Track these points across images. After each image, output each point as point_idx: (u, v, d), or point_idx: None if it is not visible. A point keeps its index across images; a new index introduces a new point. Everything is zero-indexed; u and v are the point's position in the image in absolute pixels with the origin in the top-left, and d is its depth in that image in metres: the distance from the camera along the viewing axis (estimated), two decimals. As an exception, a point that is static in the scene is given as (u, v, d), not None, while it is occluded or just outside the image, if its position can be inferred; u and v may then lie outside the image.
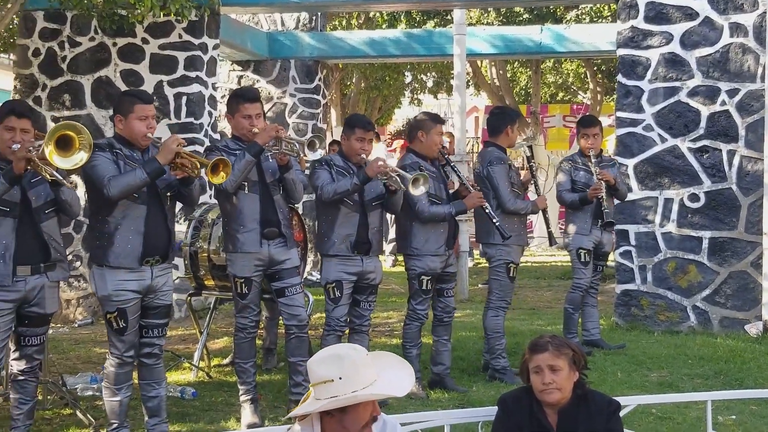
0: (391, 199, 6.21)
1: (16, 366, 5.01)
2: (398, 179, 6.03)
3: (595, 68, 18.43)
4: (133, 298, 5.11)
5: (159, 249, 5.17)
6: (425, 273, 6.52)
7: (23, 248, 4.81)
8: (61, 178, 4.71)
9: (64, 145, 4.65)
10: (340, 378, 3.05)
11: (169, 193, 5.23)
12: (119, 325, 5.10)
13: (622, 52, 8.82)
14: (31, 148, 4.69)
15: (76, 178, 7.95)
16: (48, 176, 4.69)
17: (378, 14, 15.91)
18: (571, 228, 7.83)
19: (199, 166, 5.11)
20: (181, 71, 9.67)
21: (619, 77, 8.88)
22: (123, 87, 9.57)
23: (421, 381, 6.56)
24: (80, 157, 4.69)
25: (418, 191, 6.02)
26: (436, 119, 6.70)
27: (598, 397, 3.84)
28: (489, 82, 19.42)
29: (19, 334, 4.96)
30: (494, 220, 6.57)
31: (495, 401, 4.02)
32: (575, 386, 3.77)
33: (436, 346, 6.77)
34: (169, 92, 9.63)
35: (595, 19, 14.94)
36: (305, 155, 5.77)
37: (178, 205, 5.53)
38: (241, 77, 13.22)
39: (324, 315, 6.30)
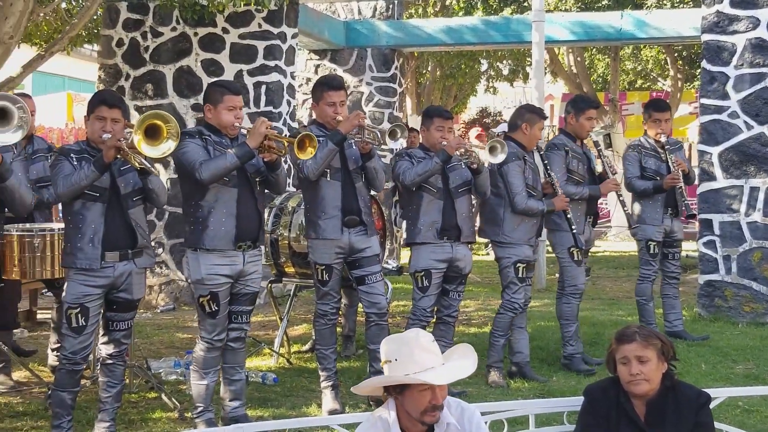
0: (478, 180, 6.20)
1: (104, 350, 5.11)
2: (476, 155, 6.10)
3: (675, 54, 18.07)
4: (225, 282, 5.21)
5: (251, 232, 5.28)
6: (521, 260, 6.50)
7: (111, 234, 4.90)
8: (149, 166, 4.82)
9: (152, 134, 4.76)
10: (396, 360, 3.20)
11: (258, 179, 5.32)
12: (211, 309, 5.21)
13: (706, 37, 8.63)
14: (121, 137, 4.78)
15: (159, 166, 8.09)
16: (137, 164, 4.79)
17: (454, 1, 15.81)
18: (640, 217, 7.64)
19: (286, 146, 5.18)
20: (260, 60, 9.77)
21: (704, 63, 8.69)
22: (204, 76, 9.73)
23: (501, 370, 6.53)
24: (168, 146, 4.79)
25: (496, 159, 6.21)
26: (542, 115, 6.76)
27: (687, 388, 3.77)
28: (566, 69, 19.18)
29: (108, 319, 5.06)
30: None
31: (576, 391, 3.98)
32: (663, 377, 3.71)
33: (513, 334, 6.72)
34: (249, 81, 9.73)
35: (676, 5, 14.64)
36: (386, 144, 5.81)
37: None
38: (318, 66, 13.31)
39: (402, 303, 6.30)
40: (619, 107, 18.33)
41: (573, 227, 6.69)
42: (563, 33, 12.63)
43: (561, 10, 15.16)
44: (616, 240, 16.99)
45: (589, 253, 7.46)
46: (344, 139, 5.64)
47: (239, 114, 5.26)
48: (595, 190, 6.93)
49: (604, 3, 14.78)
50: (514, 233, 6.48)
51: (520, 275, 6.51)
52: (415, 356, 3.15)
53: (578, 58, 18.44)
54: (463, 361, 3.33)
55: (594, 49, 19.77)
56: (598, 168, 7.19)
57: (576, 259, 6.89)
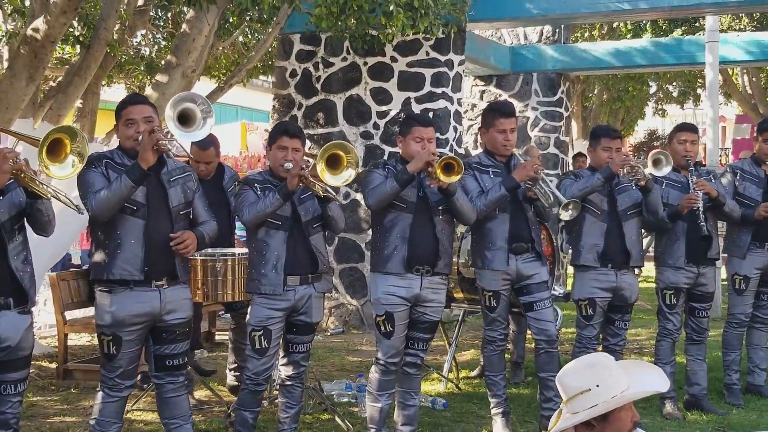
0: (648, 199, 6.05)
1: (284, 371, 5.28)
2: (643, 172, 5.97)
3: None
4: (401, 303, 5.30)
5: (426, 257, 5.33)
6: (667, 287, 6.37)
7: (293, 260, 5.07)
8: (333, 194, 4.98)
9: (333, 163, 4.95)
10: (597, 386, 3.00)
11: (440, 207, 5.38)
12: (386, 329, 5.31)
13: None
14: (303, 165, 4.96)
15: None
16: (321, 192, 4.96)
17: (622, 24, 15.57)
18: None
19: (438, 172, 5.19)
20: (427, 88, 9.90)
21: None
22: (372, 104, 9.95)
23: (676, 401, 6.35)
24: (349, 174, 5.00)
25: (661, 171, 6.14)
26: (680, 128, 6.56)
27: None
28: (740, 90, 18.52)
29: (288, 341, 5.22)
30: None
31: (757, 425, 3.82)
32: None
33: (690, 365, 6.54)
34: (416, 108, 9.86)
35: None
36: (560, 214, 5.73)
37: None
38: (483, 92, 13.37)
39: (570, 330, 6.22)
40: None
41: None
42: (738, 53, 12.25)
43: (735, 29, 14.70)
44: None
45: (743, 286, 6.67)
46: (517, 187, 5.65)
47: (425, 145, 5.32)
48: (748, 213, 6.50)
49: (781, 21, 14.24)
50: (662, 256, 6.38)
51: (667, 302, 6.39)
52: (615, 377, 3.02)
53: (753, 79, 17.78)
54: (645, 371, 3.20)
55: (770, 69, 19.03)
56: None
57: (737, 287, 6.64)
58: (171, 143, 4.48)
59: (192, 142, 6.53)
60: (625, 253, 6.05)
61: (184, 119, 4.63)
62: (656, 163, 6.12)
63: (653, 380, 3.10)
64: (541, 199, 5.69)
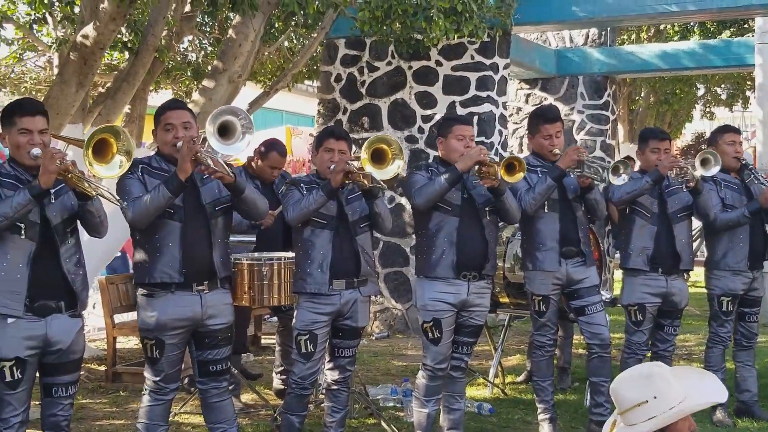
0: (698, 201, 5.98)
1: (330, 376, 5.28)
2: (692, 173, 5.90)
3: None
4: (448, 309, 5.28)
5: (474, 261, 5.31)
6: (725, 294, 6.25)
7: (339, 261, 5.06)
8: (381, 183, 4.95)
9: (378, 158, 4.98)
10: (655, 397, 2.94)
11: (487, 208, 5.36)
12: (434, 336, 5.28)
13: None
14: (348, 160, 4.98)
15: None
16: (367, 183, 4.93)
17: (669, 26, 15.39)
18: None
19: (497, 171, 5.20)
20: (472, 91, 9.87)
21: None
22: (417, 109, 9.94)
23: (726, 408, 6.25)
24: (397, 165, 5.03)
25: (709, 172, 5.95)
26: (724, 130, 6.46)
27: None
28: (790, 92, 18.21)
29: (334, 346, 5.23)
30: None
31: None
32: None
33: (740, 372, 6.44)
34: (461, 112, 9.81)
35: None
36: (609, 179, 5.67)
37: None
38: (528, 95, 13.30)
39: (617, 336, 6.15)
40: None
41: None
42: (788, 54, 12.02)
43: (785, 30, 14.44)
44: None
45: None
46: (563, 175, 5.60)
47: (468, 143, 5.33)
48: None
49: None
50: (722, 261, 6.25)
51: (724, 308, 6.26)
52: (672, 388, 2.96)
53: (803, 80, 17.45)
54: (699, 379, 3.13)
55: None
56: None
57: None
58: (209, 154, 4.48)
59: (273, 150, 6.60)
60: (675, 257, 5.97)
61: (224, 131, 4.64)
62: (704, 163, 6.01)
63: (712, 390, 3.04)
64: (594, 178, 5.63)
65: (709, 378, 3.16)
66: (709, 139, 6.62)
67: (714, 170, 6.04)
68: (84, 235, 4.50)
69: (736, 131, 6.49)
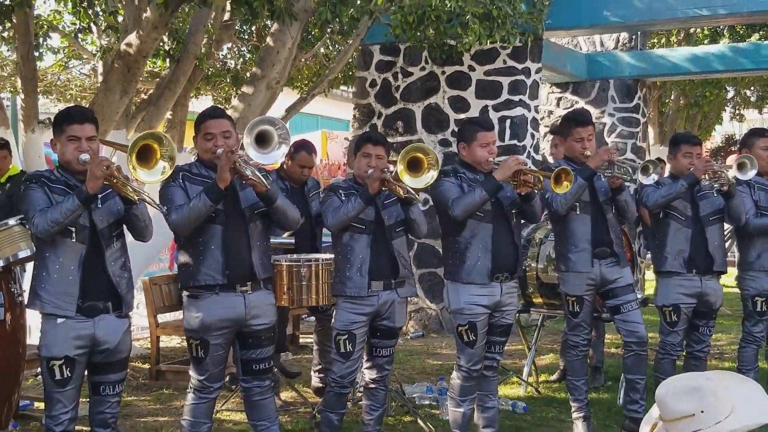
0: (730, 204, 5.95)
1: (368, 375, 5.29)
2: (726, 176, 5.88)
3: None
4: (483, 312, 5.25)
5: (507, 265, 5.30)
6: (759, 294, 6.19)
7: (376, 264, 5.08)
8: (415, 195, 4.95)
9: (414, 166, 4.95)
10: (702, 411, 2.87)
11: (514, 210, 5.34)
12: (469, 338, 5.26)
13: None
14: (385, 168, 4.98)
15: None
16: (402, 193, 4.94)
17: (698, 30, 15.25)
18: None
19: (542, 179, 5.18)
20: (505, 95, 9.84)
21: None
22: (451, 113, 9.93)
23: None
24: (431, 176, 4.99)
25: (746, 176, 5.94)
26: (757, 134, 6.40)
27: None
28: (819, 93, 18.02)
29: (372, 346, 5.24)
30: None
31: None
32: None
33: (773, 370, 6.39)
34: (494, 116, 9.80)
35: None
36: (639, 179, 5.66)
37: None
38: (559, 99, 13.24)
39: (649, 335, 6.08)
40: None
41: None
42: (817, 57, 11.91)
43: (814, 33, 14.30)
44: None
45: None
46: (593, 174, 5.58)
47: (492, 149, 5.30)
48: None
49: None
50: (757, 262, 6.19)
51: (758, 309, 6.20)
52: (721, 402, 2.89)
53: (833, 82, 17.25)
54: (745, 389, 3.07)
55: None
56: None
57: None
58: (247, 164, 4.51)
59: (302, 150, 6.67)
60: (709, 259, 5.94)
61: (261, 140, 4.68)
62: (741, 166, 5.98)
63: (756, 406, 2.99)
64: (624, 179, 5.61)
65: (757, 391, 3.09)
66: (743, 141, 6.54)
67: (751, 174, 6.00)
68: (128, 237, 4.55)
69: None
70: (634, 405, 5.73)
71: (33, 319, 4.86)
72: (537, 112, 10.32)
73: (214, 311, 4.61)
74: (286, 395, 6.90)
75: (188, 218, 4.49)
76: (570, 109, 11.13)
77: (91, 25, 9.06)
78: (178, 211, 4.50)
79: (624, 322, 5.73)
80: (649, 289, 10.99)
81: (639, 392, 5.70)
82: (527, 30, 9.33)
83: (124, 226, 4.48)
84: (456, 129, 9.86)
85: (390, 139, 10.04)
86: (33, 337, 4.96)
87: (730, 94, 18.39)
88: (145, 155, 4.24)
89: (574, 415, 5.83)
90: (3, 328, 4.91)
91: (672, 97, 17.23)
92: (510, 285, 5.37)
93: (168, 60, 9.24)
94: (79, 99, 12.41)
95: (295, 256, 6.24)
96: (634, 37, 13.13)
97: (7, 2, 6.90)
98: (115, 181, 4.21)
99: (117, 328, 4.38)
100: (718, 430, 2.87)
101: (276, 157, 4.73)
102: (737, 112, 19.51)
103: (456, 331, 5.33)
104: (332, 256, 5.43)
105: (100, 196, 4.29)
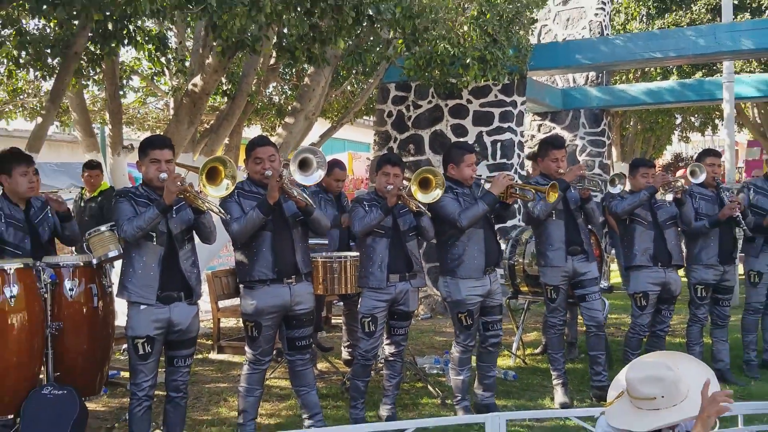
0: (682, 211, 6.03)
1: (387, 349, 5.30)
2: (678, 186, 5.99)
3: None
4: (478, 301, 5.28)
5: (493, 260, 5.36)
6: (699, 283, 6.20)
7: (393, 261, 5.10)
8: (424, 209, 4.97)
9: (424, 184, 4.98)
10: (663, 396, 2.88)
11: (492, 215, 5.38)
12: (467, 322, 5.28)
13: None
14: (401, 187, 5.00)
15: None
16: (414, 207, 4.97)
17: (653, 69, 15.18)
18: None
19: (534, 192, 5.19)
20: (496, 123, 9.82)
21: None
22: (452, 137, 9.91)
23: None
24: (436, 193, 5.02)
25: (697, 180, 6.07)
26: (707, 153, 6.41)
27: None
28: (751, 120, 17.88)
29: (390, 326, 5.25)
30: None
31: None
32: None
33: (715, 345, 6.36)
34: (487, 140, 9.81)
35: None
36: (609, 189, 5.68)
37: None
38: (540, 125, 13.19)
39: (614, 316, 6.06)
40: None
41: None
42: (750, 90, 11.85)
43: (746, 71, 14.19)
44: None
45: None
46: (568, 187, 5.57)
47: (475, 168, 5.34)
48: (758, 221, 6.33)
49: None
50: (698, 256, 6.21)
51: (698, 295, 6.21)
52: (679, 389, 2.87)
53: (762, 111, 17.14)
54: (696, 369, 3.06)
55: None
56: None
57: (752, 281, 6.44)
58: (292, 184, 4.53)
59: (336, 167, 6.67)
60: (668, 255, 5.96)
61: (303, 165, 4.70)
62: (693, 173, 6.10)
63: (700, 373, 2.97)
64: (593, 190, 5.66)
65: (695, 367, 3.06)
66: (697, 157, 6.57)
67: (701, 178, 6.09)
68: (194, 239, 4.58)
69: (717, 155, 6.44)
70: (597, 376, 5.74)
71: (120, 306, 4.88)
72: (522, 136, 10.29)
73: (265, 300, 4.62)
74: (321, 366, 6.90)
75: (245, 228, 4.51)
76: (548, 134, 11.15)
77: (165, 69, 9.11)
78: (237, 222, 4.52)
79: (588, 309, 5.73)
80: (614, 278, 10.94)
81: (601, 365, 5.71)
82: (514, 70, 9.33)
83: (194, 232, 4.51)
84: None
85: (404, 159, 10.06)
86: (120, 321, 4.98)
87: (678, 121, 18.29)
88: (212, 175, 4.28)
89: (555, 381, 5.81)
90: (96, 313, 4.92)
91: (631, 123, 17.15)
92: (495, 275, 5.39)
93: (225, 97, 9.29)
94: (154, 129, 12.47)
95: (328, 253, 6.24)
96: (600, 75, 13.09)
97: (98, 52, 6.96)
98: (187, 194, 4.24)
99: (188, 313, 4.41)
100: (673, 411, 2.87)
101: (315, 179, 4.73)
102: (684, 135, 19.39)
103: (456, 317, 5.33)
104: (358, 254, 5.45)
105: (175, 207, 4.33)
